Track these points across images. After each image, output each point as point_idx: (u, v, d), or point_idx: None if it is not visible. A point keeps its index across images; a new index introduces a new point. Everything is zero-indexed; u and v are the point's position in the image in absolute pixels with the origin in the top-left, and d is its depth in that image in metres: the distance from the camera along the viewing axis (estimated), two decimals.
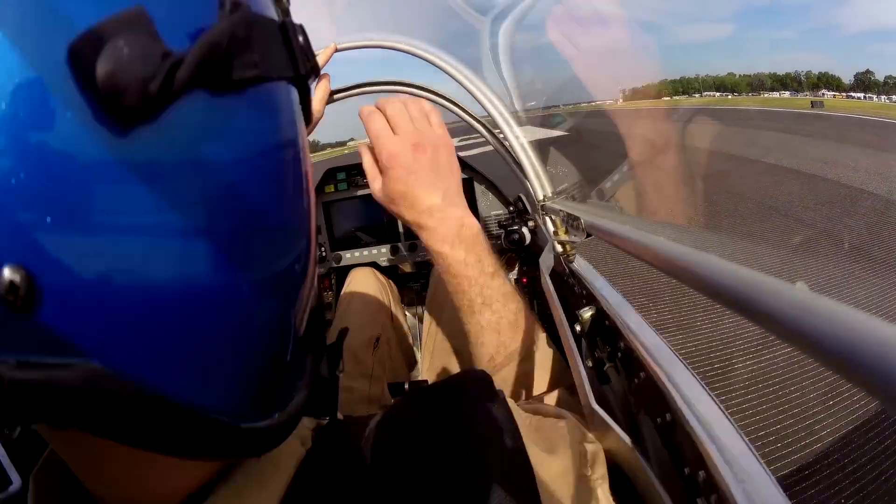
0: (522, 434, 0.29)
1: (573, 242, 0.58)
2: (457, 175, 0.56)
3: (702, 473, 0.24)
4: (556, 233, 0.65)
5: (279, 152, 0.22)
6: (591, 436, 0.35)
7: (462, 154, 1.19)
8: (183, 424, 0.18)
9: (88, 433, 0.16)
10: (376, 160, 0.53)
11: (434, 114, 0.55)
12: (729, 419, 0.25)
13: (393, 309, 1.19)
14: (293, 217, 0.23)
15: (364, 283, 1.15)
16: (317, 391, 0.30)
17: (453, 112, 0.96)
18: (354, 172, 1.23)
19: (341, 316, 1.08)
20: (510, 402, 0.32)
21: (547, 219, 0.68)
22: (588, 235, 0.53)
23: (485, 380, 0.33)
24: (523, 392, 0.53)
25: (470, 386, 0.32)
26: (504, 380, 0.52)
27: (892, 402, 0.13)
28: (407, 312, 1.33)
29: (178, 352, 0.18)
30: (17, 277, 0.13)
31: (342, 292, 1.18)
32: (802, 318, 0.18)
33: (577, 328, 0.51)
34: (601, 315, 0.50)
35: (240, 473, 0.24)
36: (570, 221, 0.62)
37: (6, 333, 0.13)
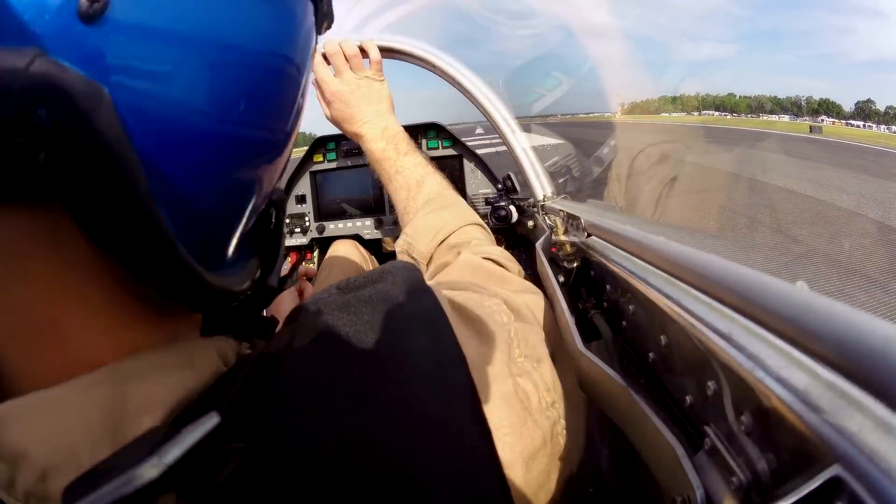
0: (449, 318, 0.28)
1: (573, 242, 0.59)
2: (387, 101, 0.76)
3: (712, 385, 0.22)
4: (555, 232, 0.65)
5: (287, 59, 0.25)
6: (513, 316, 0.34)
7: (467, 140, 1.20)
8: (143, 218, 0.19)
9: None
10: (323, 96, 0.77)
11: (375, 63, 0.76)
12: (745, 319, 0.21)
13: None
14: (281, 124, 0.26)
15: (345, 254, 1.19)
16: (255, 323, 0.31)
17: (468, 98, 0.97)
18: (345, 143, 1.20)
19: (320, 284, 1.12)
20: (433, 284, 0.32)
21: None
22: (588, 235, 0.53)
23: (409, 268, 0.32)
24: (436, 235, 0.59)
25: (395, 270, 0.31)
26: (421, 226, 0.60)
27: (892, 400, 0.13)
28: None
29: (163, 151, 0.20)
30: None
31: (323, 261, 1.18)
32: (802, 317, 0.18)
33: (561, 279, 0.52)
34: (586, 265, 0.50)
35: (152, 355, 0.24)
36: (570, 221, 0.62)
37: (58, 32, 0.16)
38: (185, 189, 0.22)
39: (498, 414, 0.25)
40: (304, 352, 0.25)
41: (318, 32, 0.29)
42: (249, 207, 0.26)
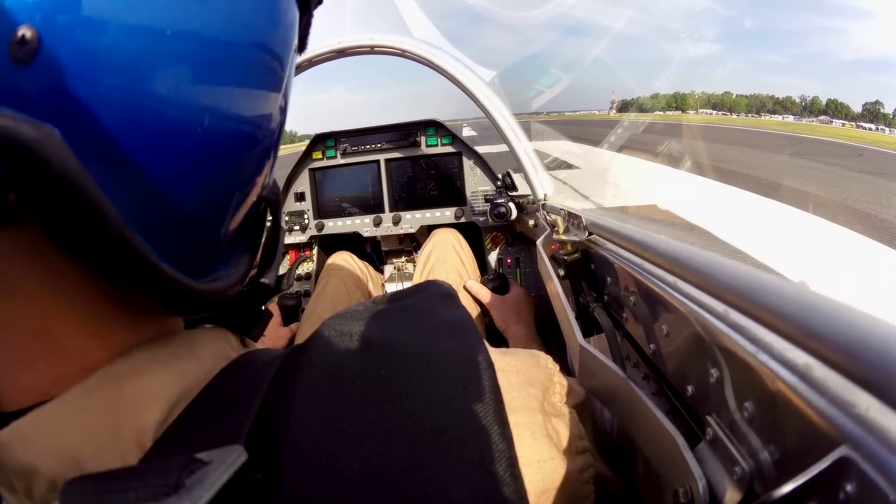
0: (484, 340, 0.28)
1: (573, 241, 0.59)
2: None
3: (715, 373, 0.22)
4: (556, 231, 0.65)
5: (273, 57, 0.24)
6: (562, 376, 0.34)
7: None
8: (115, 241, 0.18)
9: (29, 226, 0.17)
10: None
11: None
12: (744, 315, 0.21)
13: (371, 289, 1.21)
14: (264, 119, 0.25)
15: (342, 265, 1.17)
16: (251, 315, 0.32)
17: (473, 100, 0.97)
18: (344, 140, 1.20)
19: (319, 293, 1.10)
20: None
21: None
22: (589, 234, 0.53)
23: (443, 285, 0.33)
24: None
25: (429, 286, 0.32)
26: None
27: (894, 399, 0.13)
28: (388, 289, 1.32)
29: (130, 169, 0.19)
30: (28, 33, 0.16)
31: (321, 274, 1.19)
32: (804, 316, 0.18)
33: (561, 272, 0.52)
34: (587, 258, 0.50)
35: (144, 351, 0.24)
36: (571, 220, 0.62)
37: (4, 89, 0.16)
38: (168, 198, 0.21)
39: (525, 444, 0.25)
40: (329, 350, 0.26)
41: (303, 13, 0.28)
42: (239, 207, 0.26)
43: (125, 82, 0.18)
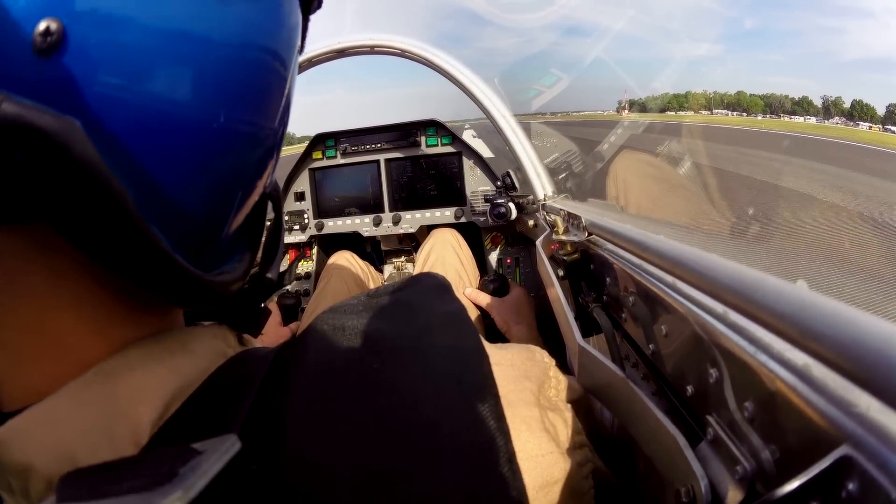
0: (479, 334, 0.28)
1: (573, 241, 0.58)
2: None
3: (714, 373, 0.22)
4: (556, 231, 0.65)
5: (279, 59, 0.25)
6: (557, 370, 0.34)
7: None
8: (134, 233, 0.19)
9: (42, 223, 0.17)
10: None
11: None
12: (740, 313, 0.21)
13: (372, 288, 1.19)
14: (269, 118, 0.26)
15: (343, 265, 1.18)
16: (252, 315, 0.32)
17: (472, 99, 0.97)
18: (344, 140, 1.21)
19: (319, 293, 1.10)
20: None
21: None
22: (589, 234, 0.53)
23: (437, 277, 0.33)
24: None
25: (423, 278, 0.32)
26: None
27: (893, 399, 0.13)
28: None
29: (144, 163, 0.20)
30: (53, 25, 0.16)
31: (322, 273, 1.19)
32: (803, 316, 0.17)
33: (561, 273, 0.52)
34: (586, 258, 0.50)
35: (139, 347, 0.24)
36: (571, 220, 0.62)
37: (17, 72, 0.16)
38: (179, 192, 0.21)
39: (522, 438, 0.24)
40: (322, 344, 0.25)
41: (306, 15, 0.28)
42: (243, 203, 0.26)
43: (144, 79, 0.19)
